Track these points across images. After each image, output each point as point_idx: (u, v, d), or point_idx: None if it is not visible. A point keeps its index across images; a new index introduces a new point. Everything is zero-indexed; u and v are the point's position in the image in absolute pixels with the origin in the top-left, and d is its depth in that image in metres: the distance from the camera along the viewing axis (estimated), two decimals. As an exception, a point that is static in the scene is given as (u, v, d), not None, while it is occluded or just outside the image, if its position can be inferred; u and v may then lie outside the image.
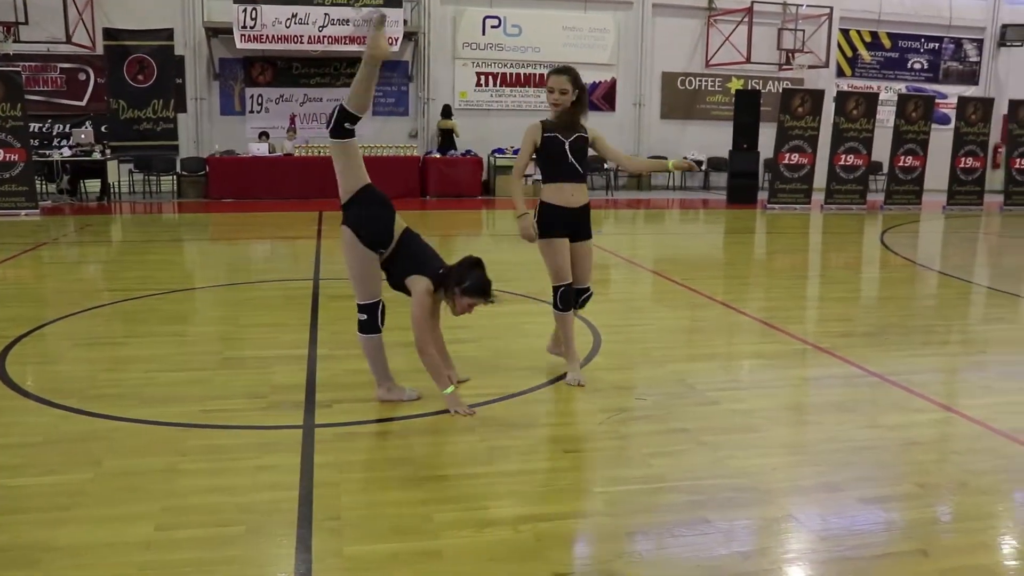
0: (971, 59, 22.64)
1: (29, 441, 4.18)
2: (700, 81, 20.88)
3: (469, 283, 4.46)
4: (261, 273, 9.57)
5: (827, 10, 20.28)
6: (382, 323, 4.66)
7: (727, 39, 20.13)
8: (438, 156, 17.97)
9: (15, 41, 16.60)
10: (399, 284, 4.61)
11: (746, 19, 19.68)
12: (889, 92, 20.94)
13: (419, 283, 4.48)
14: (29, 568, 3.01)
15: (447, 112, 18.64)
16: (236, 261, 10.58)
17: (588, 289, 5.32)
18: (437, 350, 4.75)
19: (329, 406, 4.69)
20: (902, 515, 3.49)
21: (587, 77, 19.78)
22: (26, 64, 16.95)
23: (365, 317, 4.62)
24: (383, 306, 4.66)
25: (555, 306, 5.18)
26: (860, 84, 21.15)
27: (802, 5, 20.11)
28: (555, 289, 5.15)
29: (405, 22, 18.02)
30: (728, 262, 11.09)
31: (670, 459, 4.02)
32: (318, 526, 3.31)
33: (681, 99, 20.83)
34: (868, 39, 21.80)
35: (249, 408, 4.68)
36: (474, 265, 4.51)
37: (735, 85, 20.51)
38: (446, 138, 18.49)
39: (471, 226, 13.82)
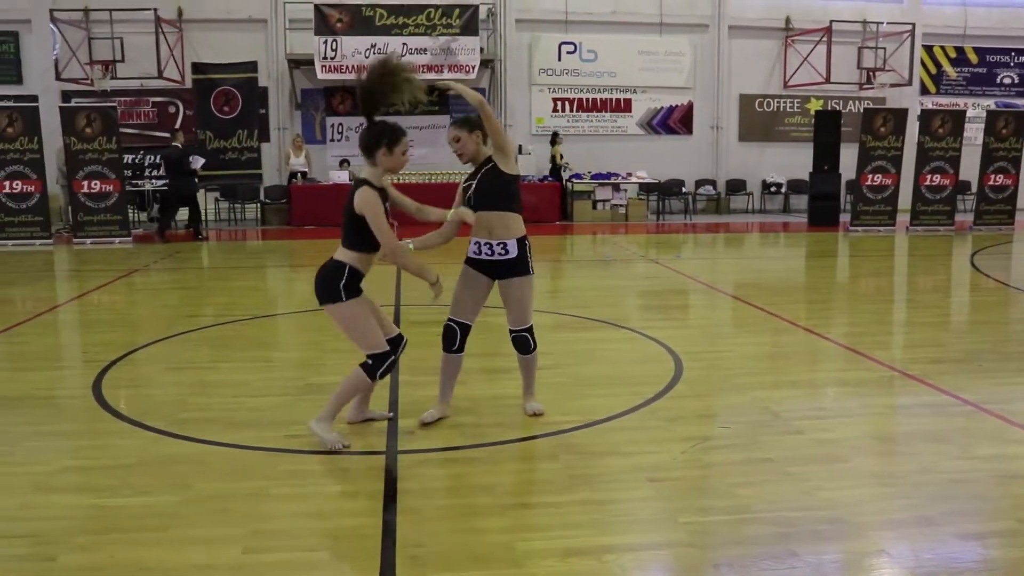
0: (1064, 73, 21.86)
1: (123, 463, 4.31)
2: (778, 102, 20.61)
3: (384, 137, 4.46)
4: (342, 299, 9.71)
5: (909, 27, 19.82)
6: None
7: (805, 59, 19.84)
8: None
9: (112, 78, 17.38)
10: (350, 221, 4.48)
11: (825, 38, 19.37)
12: (977, 109, 20.34)
13: (359, 193, 4.41)
14: (124, 589, 3.09)
15: (553, 139, 18.69)
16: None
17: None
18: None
19: (411, 432, 4.73)
20: (1002, 552, 3.35)
21: (664, 101, 20.02)
22: (121, 99, 17.68)
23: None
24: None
25: (535, 347, 4.93)
26: (945, 101, 20.59)
27: (883, 23, 19.70)
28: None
29: (482, 50, 18.23)
30: (810, 286, 10.87)
31: (755, 489, 3.93)
32: (401, 553, 3.33)
33: (759, 121, 20.57)
34: (953, 55, 21.24)
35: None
36: (371, 129, 4.50)
37: (814, 106, 20.18)
38: (554, 164, 18.54)
39: (550, 251, 13.84)
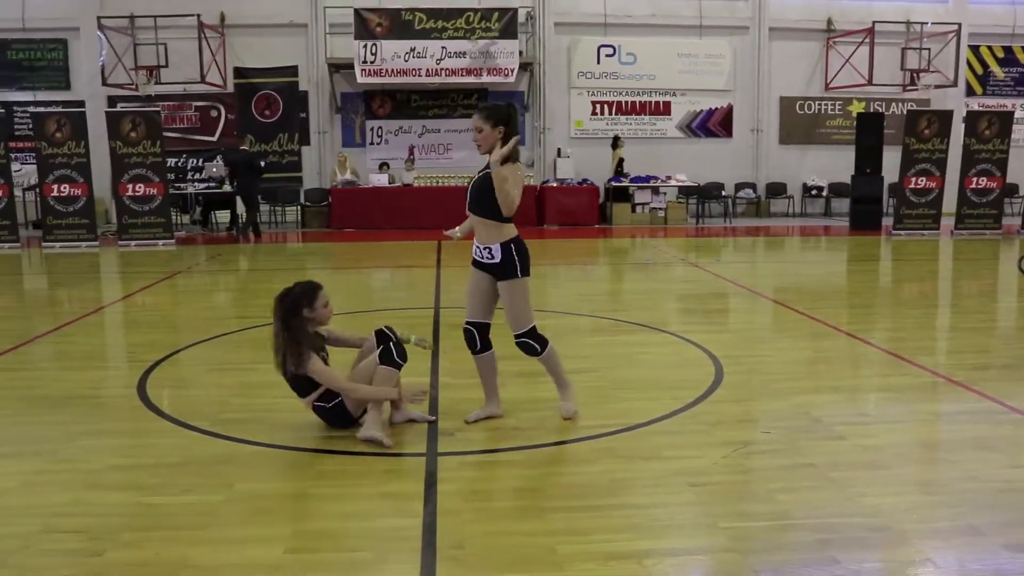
0: (1116, 72, 21.36)
1: (167, 462, 4.38)
2: (820, 105, 20.39)
3: (305, 300, 4.71)
4: (383, 301, 9.79)
5: (955, 26, 19.52)
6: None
7: (847, 61, 19.62)
8: (555, 185, 18.05)
9: (156, 83, 17.68)
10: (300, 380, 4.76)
11: (867, 40, 19.15)
12: (1025, 110, 20.00)
13: (311, 365, 4.67)
14: (170, 586, 3.14)
15: (615, 142, 18.72)
16: (358, 289, 10.85)
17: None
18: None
19: (452, 434, 4.75)
20: (1052, 562, 3.29)
21: (703, 103, 19.89)
22: (165, 104, 17.97)
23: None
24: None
25: (543, 348, 4.90)
26: (992, 103, 20.23)
27: (927, 23, 19.44)
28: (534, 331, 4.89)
29: (521, 53, 18.26)
30: (852, 291, 10.74)
31: (796, 495, 3.90)
32: (442, 555, 3.34)
33: (800, 123, 20.38)
34: (1001, 55, 20.85)
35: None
36: (286, 296, 4.73)
37: (856, 108, 19.95)
38: (618, 166, 18.57)
39: (588, 254, 13.82)
